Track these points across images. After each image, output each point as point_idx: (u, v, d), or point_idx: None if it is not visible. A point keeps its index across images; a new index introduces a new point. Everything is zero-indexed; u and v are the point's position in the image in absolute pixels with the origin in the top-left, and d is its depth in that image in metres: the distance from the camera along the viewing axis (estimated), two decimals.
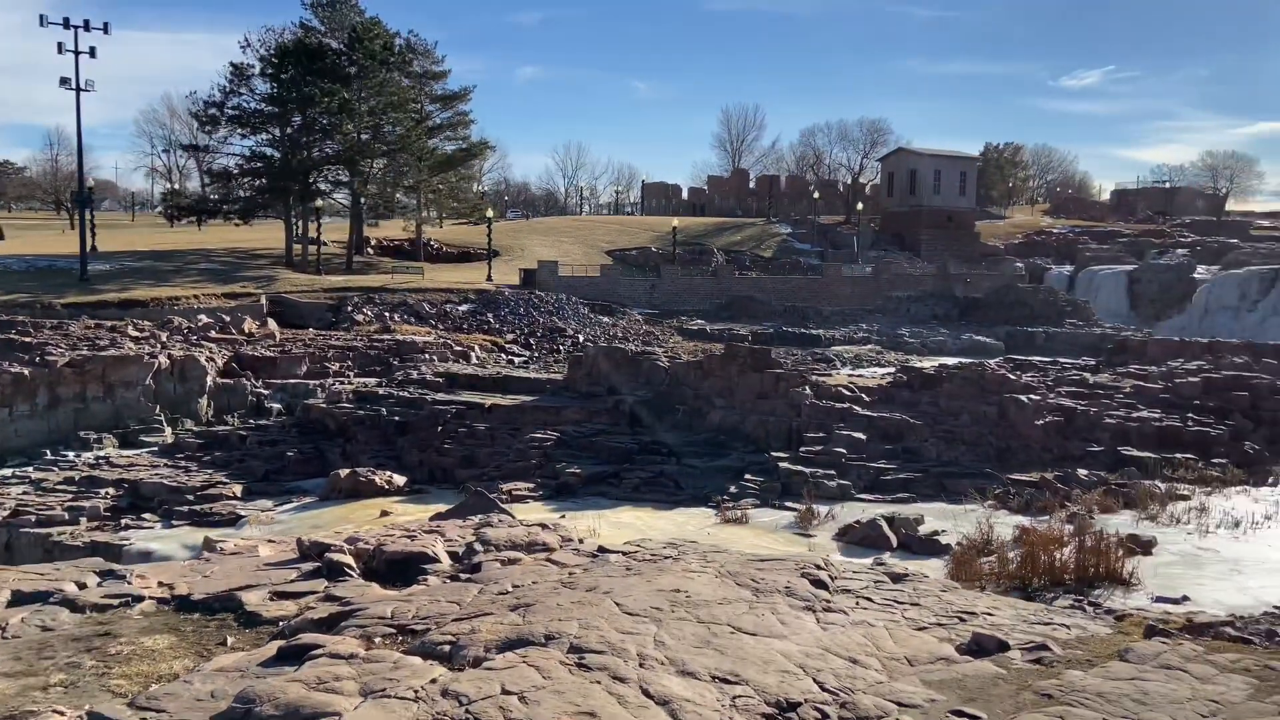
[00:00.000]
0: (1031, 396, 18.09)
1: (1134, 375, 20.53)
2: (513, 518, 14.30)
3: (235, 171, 50.39)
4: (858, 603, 7.17)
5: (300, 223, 51.41)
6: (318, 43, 50.80)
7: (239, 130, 50.69)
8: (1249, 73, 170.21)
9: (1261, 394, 18.97)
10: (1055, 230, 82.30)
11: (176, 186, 74.48)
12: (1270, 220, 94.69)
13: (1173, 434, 17.72)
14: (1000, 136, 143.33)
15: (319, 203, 48.21)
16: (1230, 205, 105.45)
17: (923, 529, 14.04)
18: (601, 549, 8.74)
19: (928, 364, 30.68)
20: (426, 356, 34.62)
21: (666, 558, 8.41)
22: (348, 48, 50.52)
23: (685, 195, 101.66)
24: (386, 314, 42.66)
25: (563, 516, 15.33)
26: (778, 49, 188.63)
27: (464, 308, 44.85)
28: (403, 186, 53.67)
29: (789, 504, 15.30)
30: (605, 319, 47.45)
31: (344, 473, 18.01)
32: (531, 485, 17.37)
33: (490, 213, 52.42)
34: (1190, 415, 18.35)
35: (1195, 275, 62.42)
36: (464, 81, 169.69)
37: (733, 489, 16.33)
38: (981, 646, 6.22)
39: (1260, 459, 17.06)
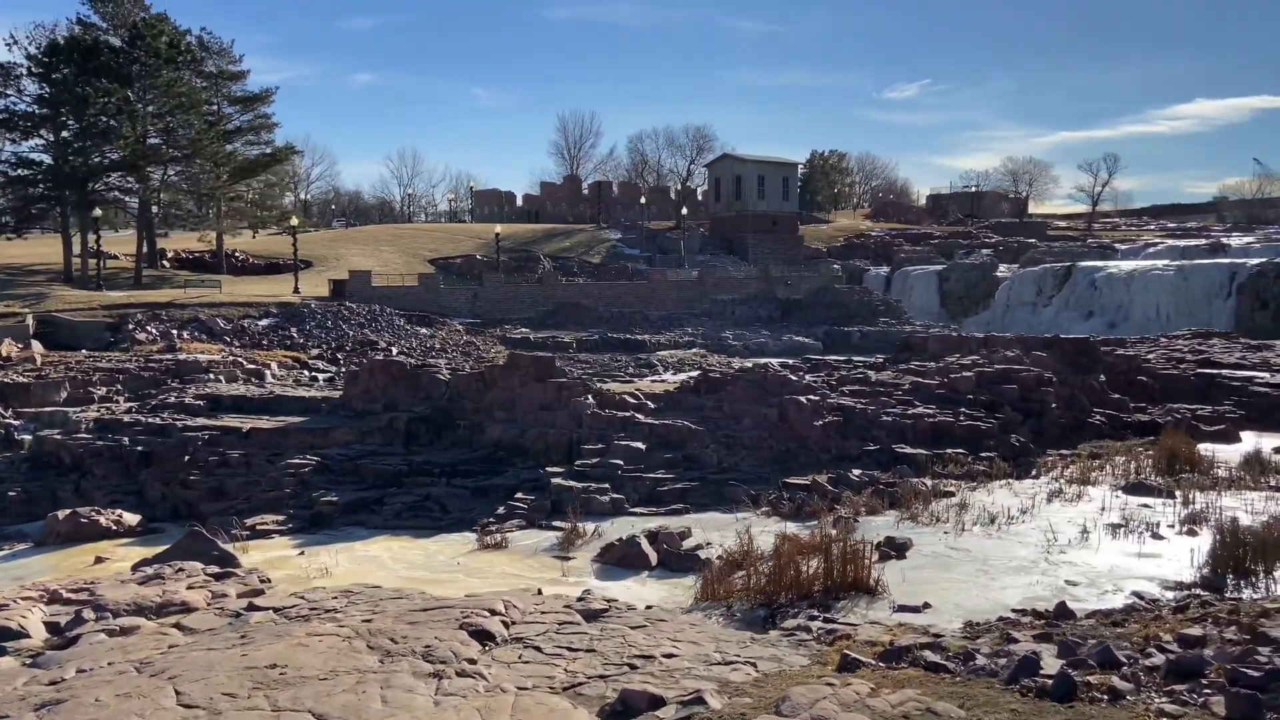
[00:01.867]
0: (810, 397, 17.85)
1: (914, 372, 20.74)
2: (234, 559, 12.71)
3: None
4: (520, 655, 6.18)
5: (80, 235, 46.85)
6: (94, 39, 46.52)
7: (4, 134, 45.76)
8: (1050, 86, 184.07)
9: (1029, 386, 19.45)
10: (874, 233, 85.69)
11: None
12: (1066, 221, 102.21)
13: (945, 429, 17.85)
14: (830, 145, 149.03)
15: (97, 212, 43.98)
16: (1033, 208, 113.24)
17: (688, 543, 13.33)
18: (251, 605, 7.41)
19: (743, 366, 30.56)
20: (211, 376, 31.83)
21: (328, 610, 7.20)
22: (129, 45, 46.51)
23: (520, 202, 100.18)
24: (174, 331, 39.28)
25: (301, 553, 13.84)
26: (614, 58, 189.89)
27: (264, 322, 41.92)
28: (197, 194, 49.82)
29: (557, 524, 14.33)
30: (423, 330, 45.50)
31: (63, 514, 15.78)
32: (281, 518, 15.69)
33: (295, 221, 49.35)
34: (963, 410, 18.58)
35: (998, 274, 66.04)
36: (294, 87, 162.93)
37: (501, 510, 15.22)
38: (629, 706, 5.33)
39: (1025, 450, 17.37)
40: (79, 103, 43.59)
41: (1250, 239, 66.22)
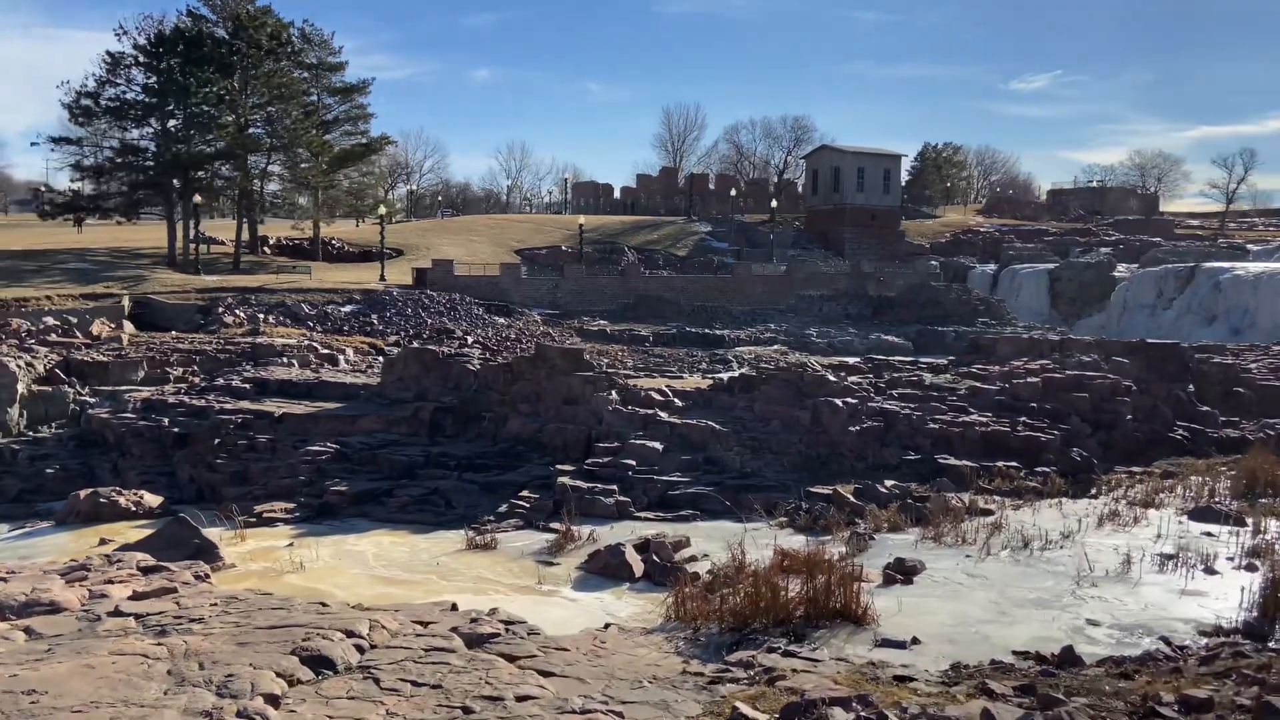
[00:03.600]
0: (848, 400, 16.59)
1: (974, 376, 19.15)
2: (214, 550, 12.47)
3: (108, 166, 47.70)
4: (349, 690, 5.45)
5: (183, 220, 48.82)
6: (199, 30, 48.29)
7: (116, 123, 48.01)
8: (1189, 78, 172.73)
9: (1103, 395, 17.68)
10: (983, 229, 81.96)
11: (47, 183, 70.73)
12: (1199, 220, 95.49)
13: (998, 439, 16.32)
14: (952, 138, 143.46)
15: (198, 199, 45.68)
16: (1164, 206, 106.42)
17: (684, 554, 12.44)
18: (118, 610, 6.92)
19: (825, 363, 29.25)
20: (285, 360, 32.48)
21: (194, 620, 6.64)
22: (233, 36, 48.12)
23: (617, 195, 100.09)
24: (261, 315, 40.40)
25: (290, 544, 13.55)
26: (727, 52, 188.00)
27: (347, 309, 42.74)
28: (294, 182, 51.27)
29: (554, 526, 13.62)
30: (501, 320, 45.61)
31: (84, 493, 16.00)
32: (291, 506, 15.50)
33: (384, 210, 50.19)
34: (1023, 419, 16.98)
35: (1115, 274, 62.07)
36: (416, 83, 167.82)
37: (503, 508, 14.62)
38: None
39: (1087, 466, 15.70)
40: (183, 92, 45.30)
41: None
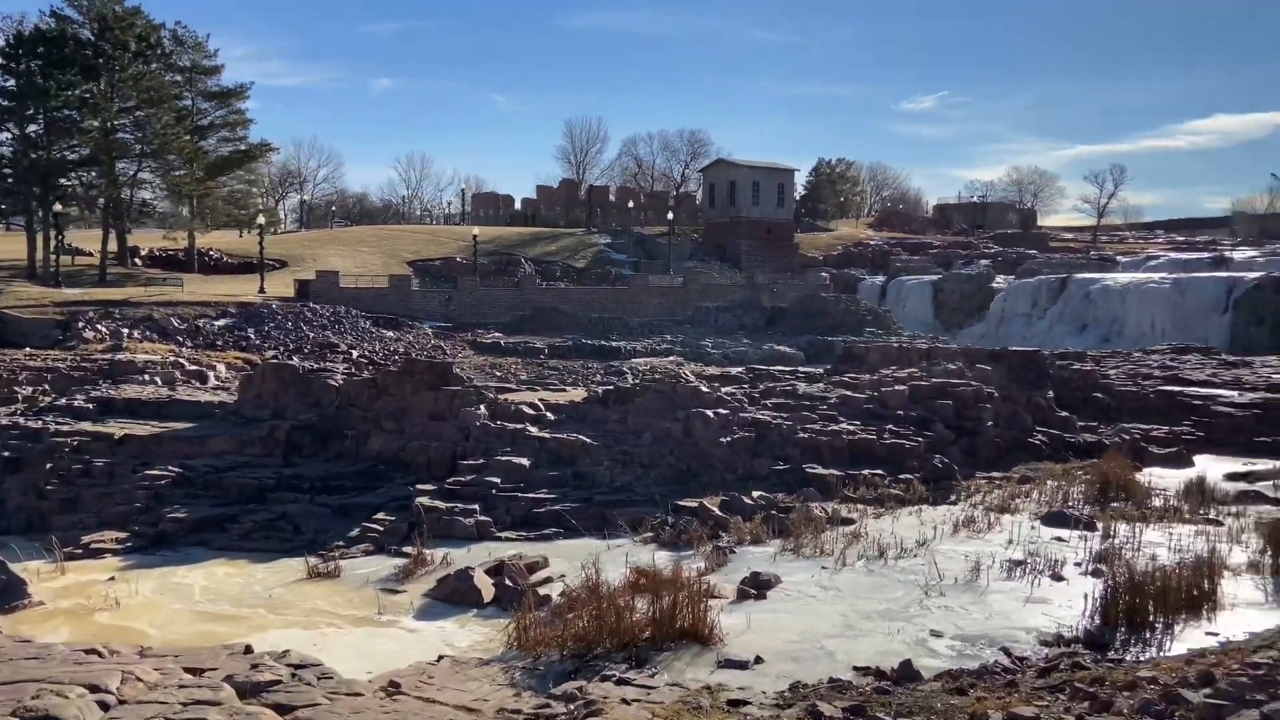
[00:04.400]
0: (720, 411, 16.41)
1: (846, 385, 19.25)
2: (22, 588, 11.39)
3: None
4: None
5: (44, 230, 45.98)
6: (62, 31, 45.68)
7: None
8: (1067, 100, 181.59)
9: (966, 402, 17.96)
10: (873, 242, 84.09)
11: None
12: (1073, 233, 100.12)
13: (865, 448, 16.37)
14: (848, 155, 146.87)
15: (58, 208, 43.04)
16: (1043, 221, 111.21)
17: (540, 575, 11.95)
18: None
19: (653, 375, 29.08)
20: (146, 378, 30.71)
21: None
22: (97, 37, 45.67)
23: (518, 206, 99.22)
24: (125, 330, 38.17)
25: (111, 578, 12.50)
26: (631, 67, 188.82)
27: (220, 323, 40.80)
28: (167, 190, 48.91)
29: (407, 550, 12.95)
30: (389, 333, 44.31)
31: None
32: (124, 535, 14.38)
33: (263, 220, 48.28)
34: (890, 427, 17.09)
35: (994, 285, 64.32)
36: (315, 90, 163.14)
37: (354, 532, 13.86)
38: None
39: (948, 473, 15.86)
40: (43, 95, 42.74)
41: (1255, 253, 64.19)
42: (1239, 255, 63.72)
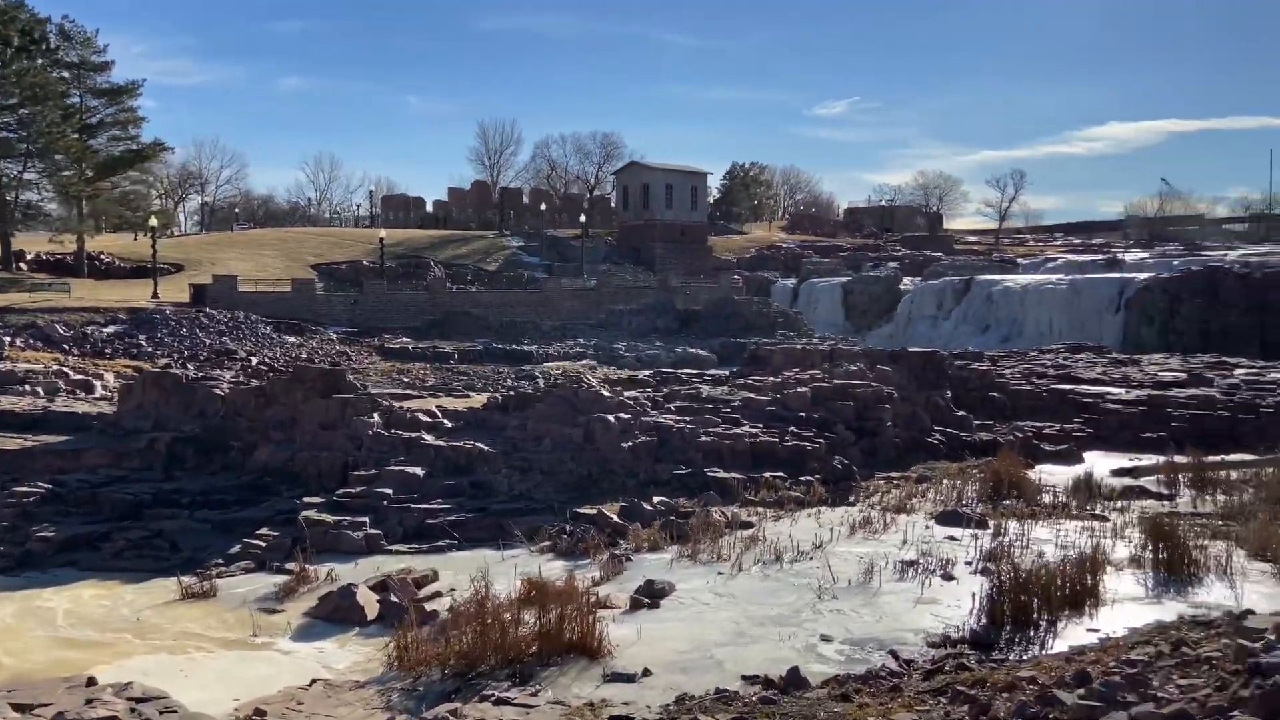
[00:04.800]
0: (621, 416, 16.19)
1: (749, 387, 19.27)
2: None
3: None
4: None
5: None
6: None
7: None
8: (973, 107, 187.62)
9: (867, 402, 18.13)
10: (785, 245, 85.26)
11: None
12: (977, 236, 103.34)
13: (767, 450, 16.36)
14: (762, 159, 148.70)
15: None
16: (949, 224, 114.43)
17: (429, 589, 11.52)
18: None
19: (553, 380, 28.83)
20: (27, 387, 29.01)
21: None
22: None
23: (430, 209, 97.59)
24: (7, 338, 36.06)
25: None
26: (546, 71, 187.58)
27: (110, 330, 38.92)
28: (54, 191, 46.49)
29: (290, 566, 12.36)
30: (291, 339, 42.92)
31: None
32: None
33: (156, 222, 46.28)
34: (792, 429, 17.13)
35: (901, 287, 65.81)
36: (217, 90, 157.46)
37: (235, 549, 13.19)
38: None
39: (847, 474, 15.95)
40: None
41: (1145, 255, 67.13)
42: (1130, 257, 66.54)
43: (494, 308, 52.80)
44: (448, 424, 16.65)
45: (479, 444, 15.67)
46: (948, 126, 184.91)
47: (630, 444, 15.81)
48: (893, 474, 16.65)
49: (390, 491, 14.30)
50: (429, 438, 15.90)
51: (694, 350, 49.19)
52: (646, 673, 8.49)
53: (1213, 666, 6.71)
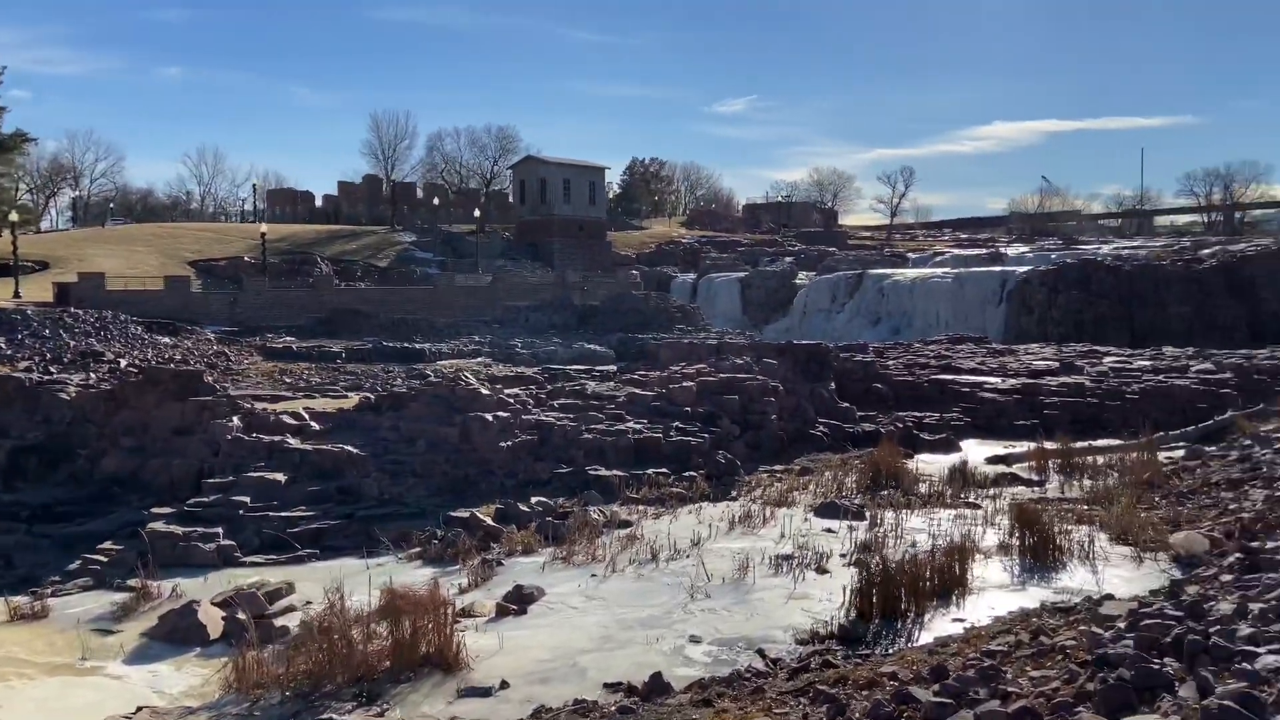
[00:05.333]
0: (500, 414, 15.66)
1: (635, 383, 18.99)
2: None
3: None
4: None
5: None
6: None
7: None
8: (867, 107, 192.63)
9: (752, 396, 18.05)
10: (685, 241, 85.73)
11: None
12: (870, 231, 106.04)
13: (651, 446, 16.07)
14: (663, 155, 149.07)
15: None
16: (844, 220, 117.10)
17: (282, 603, 10.81)
18: None
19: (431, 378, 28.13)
20: None
21: None
22: None
23: (319, 203, 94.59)
24: None
25: None
26: (442, 63, 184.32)
27: None
28: None
29: (132, 583, 11.46)
30: (165, 339, 40.77)
31: None
32: None
33: (15, 216, 43.36)
34: (677, 424, 16.89)
35: (796, 281, 66.87)
36: (94, 81, 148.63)
37: (75, 565, 12.18)
38: None
39: (730, 469, 15.81)
40: None
41: (1025, 249, 69.84)
42: (1012, 251, 69.17)
43: (385, 305, 51.40)
44: (315, 426, 15.83)
45: (348, 447, 14.92)
46: (843, 125, 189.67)
47: (509, 443, 15.31)
48: (777, 467, 16.59)
49: (248, 500, 13.45)
50: (293, 441, 15.07)
51: (592, 346, 48.82)
52: (504, 685, 8.05)
53: (1066, 656, 6.66)
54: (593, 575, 11.06)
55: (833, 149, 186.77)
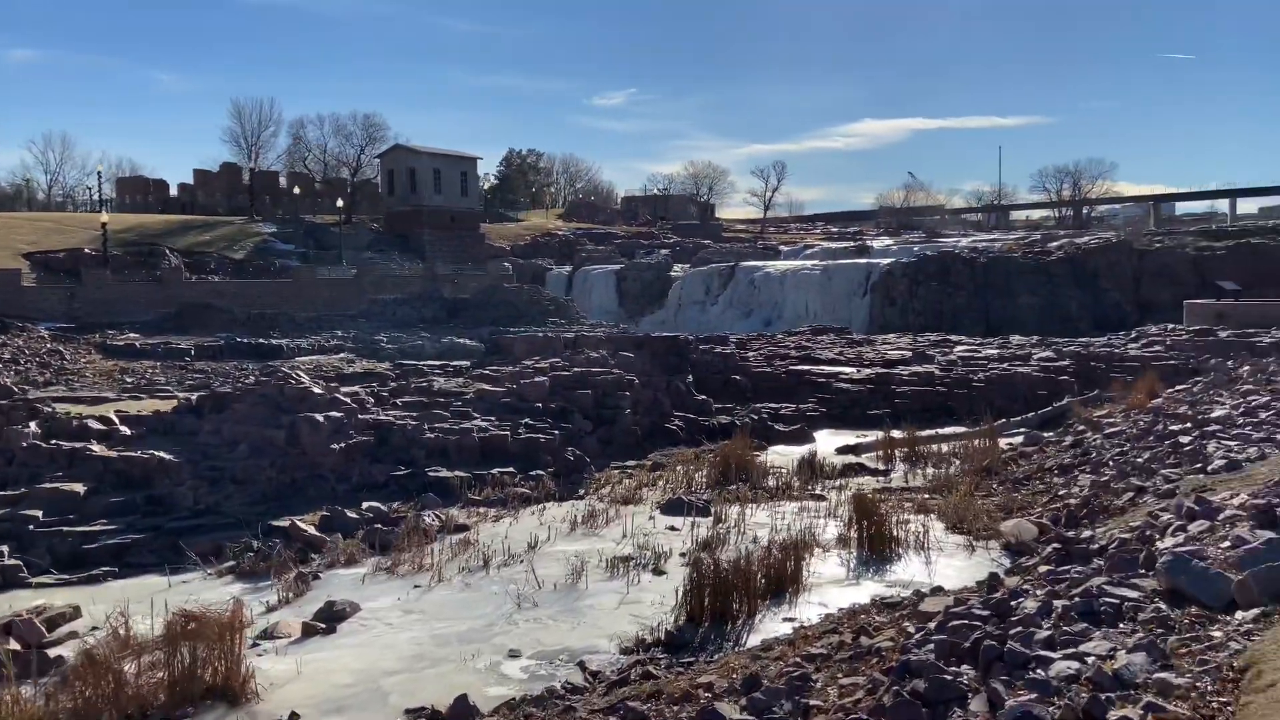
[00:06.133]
0: (332, 415, 14.68)
1: (486, 378, 18.28)
2: None
3: None
4: None
5: None
6: None
7: None
8: (744, 103, 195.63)
9: (606, 390, 17.60)
10: (561, 233, 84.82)
11: None
12: (745, 224, 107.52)
13: (498, 444, 15.42)
14: (544, 147, 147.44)
15: None
16: (721, 213, 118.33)
17: (65, 630, 9.70)
18: None
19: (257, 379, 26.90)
20: None
21: None
22: None
23: (175, 192, 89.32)
24: None
25: None
26: (311, 48, 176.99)
27: None
28: None
29: None
30: None
31: None
32: None
33: None
34: (527, 420, 16.28)
35: (672, 273, 67.00)
36: None
37: None
38: None
39: (579, 466, 15.30)
40: None
41: (890, 242, 71.97)
42: (877, 244, 71.16)
43: (240, 299, 48.79)
44: (126, 431, 14.50)
45: (159, 453, 13.70)
46: (721, 120, 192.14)
47: (342, 444, 14.38)
48: (630, 463, 16.18)
49: (40, 514, 12.13)
50: (98, 448, 13.73)
51: (461, 340, 47.50)
52: (294, 716, 7.28)
53: (881, 659, 6.40)
54: (416, 586, 10.34)
55: (710, 143, 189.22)
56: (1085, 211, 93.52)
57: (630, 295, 66.78)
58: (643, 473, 15.46)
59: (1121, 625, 5.31)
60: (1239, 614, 5.10)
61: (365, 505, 13.10)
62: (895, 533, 11.10)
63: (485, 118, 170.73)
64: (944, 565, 10.52)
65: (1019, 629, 5.49)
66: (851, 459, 16.15)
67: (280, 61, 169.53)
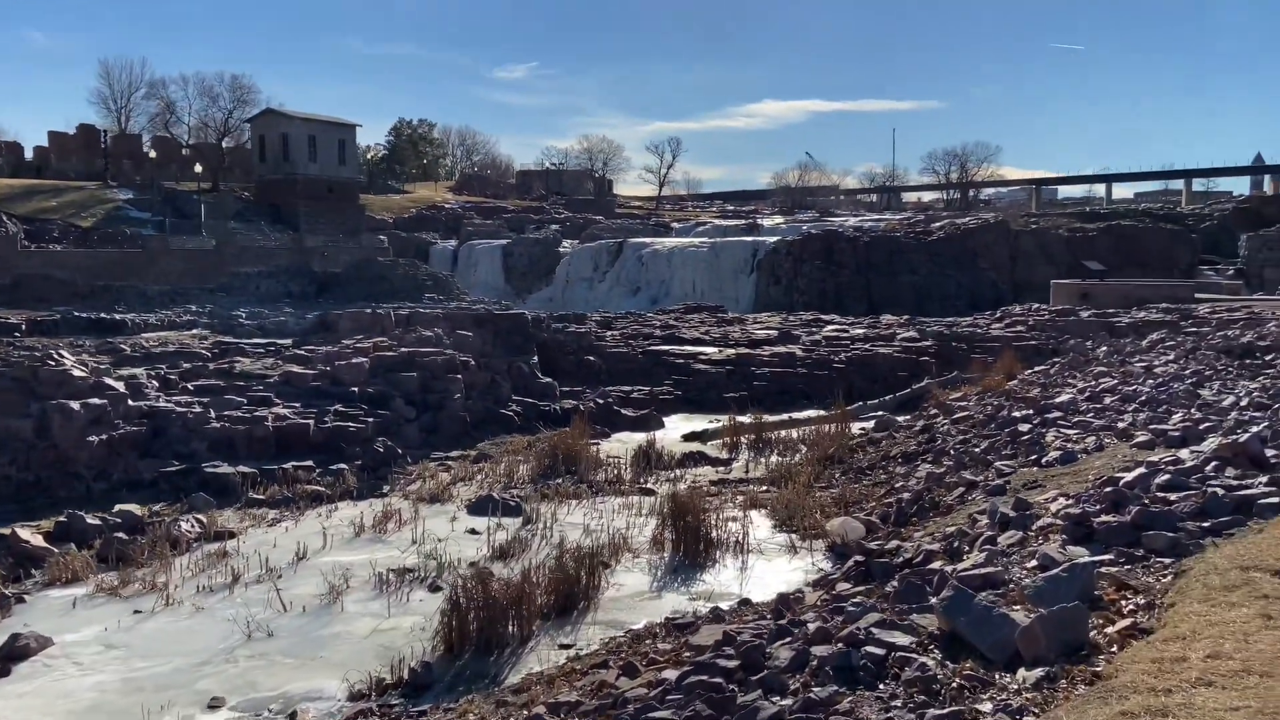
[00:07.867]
0: (93, 402, 12.69)
1: (298, 359, 16.45)
2: None
3: None
4: None
5: None
6: None
7: None
8: (647, 80, 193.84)
9: (435, 373, 16.02)
10: (448, 206, 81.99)
11: None
12: (640, 201, 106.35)
13: (298, 434, 13.70)
14: (440, 119, 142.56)
15: None
16: (620, 189, 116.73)
17: None
18: None
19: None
20: None
21: None
22: None
23: (30, 155, 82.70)
24: None
25: None
26: (194, 12, 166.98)
27: None
28: None
29: None
30: None
31: None
32: None
33: None
34: (338, 407, 14.58)
35: (560, 249, 65.22)
36: None
37: None
38: None
39: (390, 458, 13.70)
40: None
41: (781, 221, 71.78)
42: (768, 223, 70.83)
43: (85, 271, 45.04)
44: None
45: None
46: (623, 97, 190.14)
47: (104, 436, 12.44)
48: (453, 454, 14.67)
49: None
50: None
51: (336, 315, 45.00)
52: None
53: (635, 711, 5.11)
54: (136, 611, 8.62)
55: (612, 120, 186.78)
56: (972, 194, 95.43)
57: (517, 271, 64.79)
58: (464, 465, 13.96)
59: (881, 687, 4.13)
60: (1021, 672, 3.97)
61: (117, 509, 11.24)
62: (713, 534, 9.92)
63: (381, 89, 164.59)
64: (761, 571, 9.38)
65: (756, 694, 4.26)
66: (695, 447, 14.99)
67: (159, 23, 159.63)
